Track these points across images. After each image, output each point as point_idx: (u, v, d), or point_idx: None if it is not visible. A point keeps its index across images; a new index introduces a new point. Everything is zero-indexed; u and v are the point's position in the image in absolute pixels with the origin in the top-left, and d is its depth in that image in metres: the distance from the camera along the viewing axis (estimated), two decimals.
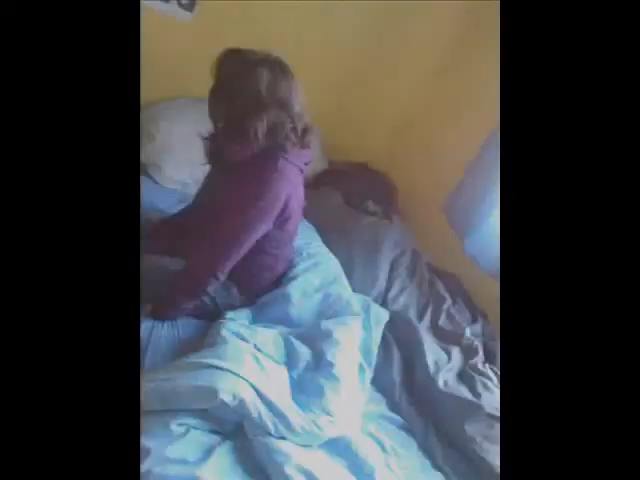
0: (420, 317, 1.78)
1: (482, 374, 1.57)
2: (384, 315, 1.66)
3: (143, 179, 1.84)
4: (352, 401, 1.29)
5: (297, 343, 1.36)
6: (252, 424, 1.07)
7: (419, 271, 2.01)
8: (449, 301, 1.90)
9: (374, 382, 1.53)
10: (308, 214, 2.01)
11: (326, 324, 1.43)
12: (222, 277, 1.31)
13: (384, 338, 1.65)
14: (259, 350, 1.26)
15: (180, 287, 1.31)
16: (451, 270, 2.17)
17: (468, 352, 1.68)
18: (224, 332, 1.26)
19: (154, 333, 1.28)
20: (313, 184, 2.33)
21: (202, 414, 1.07)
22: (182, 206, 1.73)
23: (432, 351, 1.61)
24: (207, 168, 1.55)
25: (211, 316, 1.42)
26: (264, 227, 1.30)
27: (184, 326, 1.36)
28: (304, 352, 1.34)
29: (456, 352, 1.65)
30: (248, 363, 1.16)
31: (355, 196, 2.28)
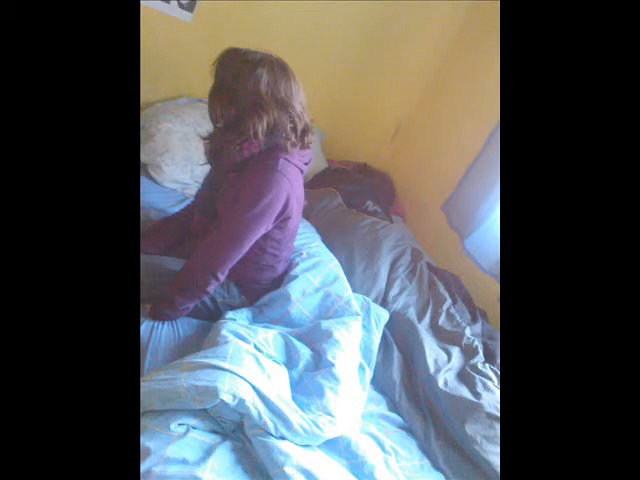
0: (420, 317, 1.79)
1: (482, 374, 1.57)
2: (384, 315, 1.66)
3: (143, 179, 1.85)
4: (352, 401, 1.29)
5: (297, 343, 1.36)
6: (252, 424, 1.07)
7: (419, 271, 2.01)
8: (449, 301, 1.90)
9: (374, 382, 1.54)
10: (308, 214, 2.01)
11: (326, 324, 1.43)
12: (222, 277, 1.31)
13: (384, 338, 1.65)
14: (259, 350, 1.26)
15: (180, 287, 1.31)
16: (451, 270, 2.17)
17: (468, 352, 1.68)
18: (224, 332, 1.26)
19: (154, 333, 1.29)
20: (313, 184, 2.33)
21: (202, 414, 1.07)
22: (182, 206, 1.74)
23: (432, 351, 1.61)
24: (207, 168, 1.55)
25: (211, 316, 1.42)
26: (264, 227, 1.30)
27: (184, 326, 1.36)
28: (304, 352, 1.34)
29: (456, 352, 1.65)
30: (248, 363, 1.16)
31: (355, 196, 2.28)
